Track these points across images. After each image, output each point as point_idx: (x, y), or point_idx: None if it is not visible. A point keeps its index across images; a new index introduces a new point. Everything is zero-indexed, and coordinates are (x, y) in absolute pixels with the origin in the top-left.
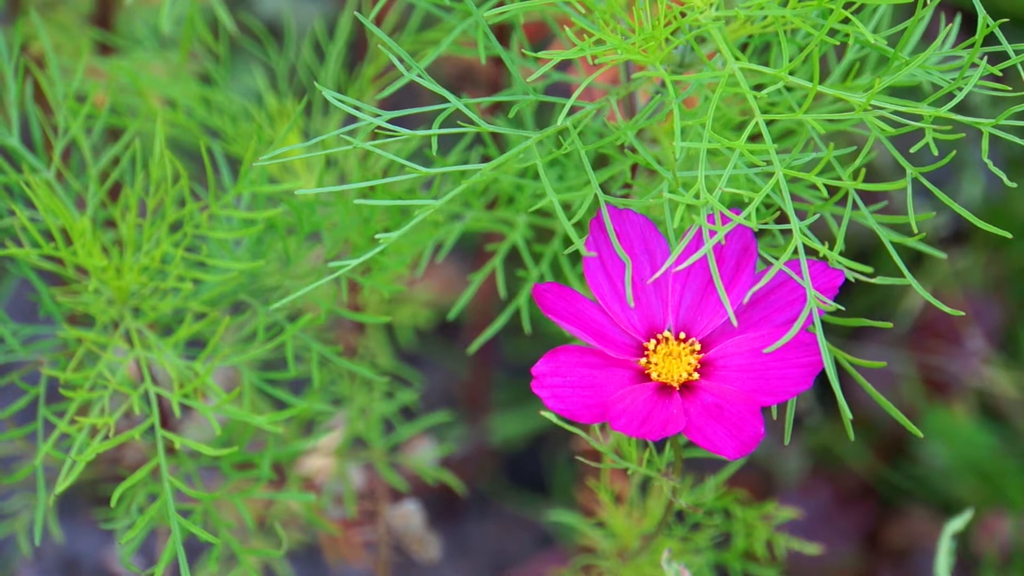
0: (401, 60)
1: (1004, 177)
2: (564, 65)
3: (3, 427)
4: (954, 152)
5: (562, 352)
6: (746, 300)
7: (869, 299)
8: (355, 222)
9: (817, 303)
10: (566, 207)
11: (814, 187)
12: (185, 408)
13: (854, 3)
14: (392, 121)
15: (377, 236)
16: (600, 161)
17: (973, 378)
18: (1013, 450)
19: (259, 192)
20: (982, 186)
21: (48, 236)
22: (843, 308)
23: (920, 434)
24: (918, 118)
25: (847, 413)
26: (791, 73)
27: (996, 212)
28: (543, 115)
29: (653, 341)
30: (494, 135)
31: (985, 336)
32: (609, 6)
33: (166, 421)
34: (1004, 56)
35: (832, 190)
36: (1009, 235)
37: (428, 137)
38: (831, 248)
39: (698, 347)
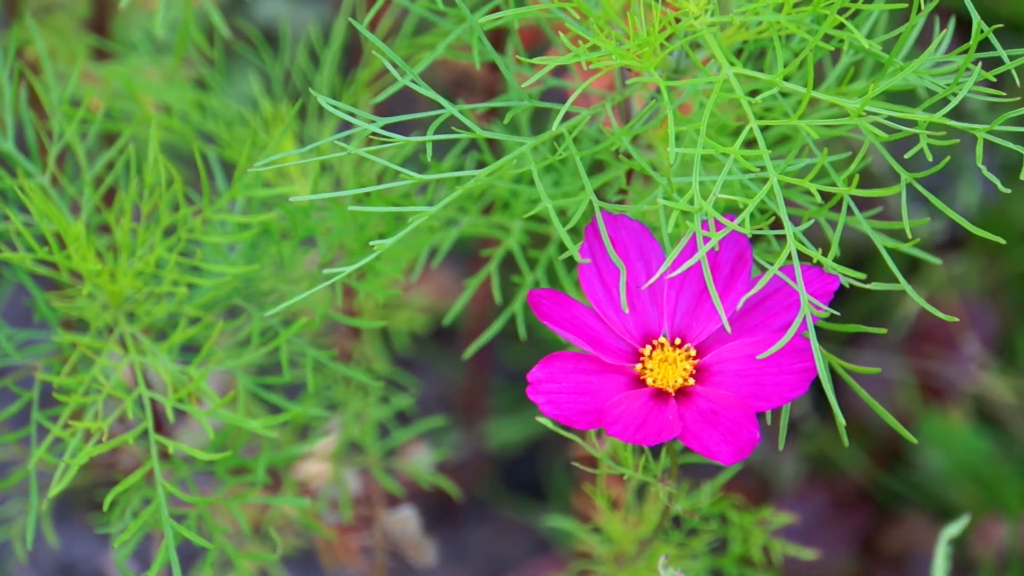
0: (395, 66)
1: (998, 183)
2: (560, 71)
3: None
4: (948, 158)
5: (557, 358)
6: (740, 306)
7: (865, 305)
8: (350, 227)
9: (812, 309)
10: (561, 213)
11: (809, 193)
12: (179, 413)
13: (849, 8)
14: (387, 127)
15: (372, 242)
16: (596, 167)
17: (969, 383)
18: (1009, 455)
19: (254, 196)
20: (978, 192)
21: (43, 241)
22: (838, 313)
23: (914, 440)
24: (913, 124)
25: (841, 419)
26: (786, 79)
27: (993, 218)
28: (539, 121)
29: (649, 347)
30: (490, 141)
31: (981, 341)
32: (604, 12)
33: (160, 426)
34: (1000, 61)
35: (827, 196)
36: (1003, 240)
37: (423, 142)
38: (826, 254)
39: (693, 353)
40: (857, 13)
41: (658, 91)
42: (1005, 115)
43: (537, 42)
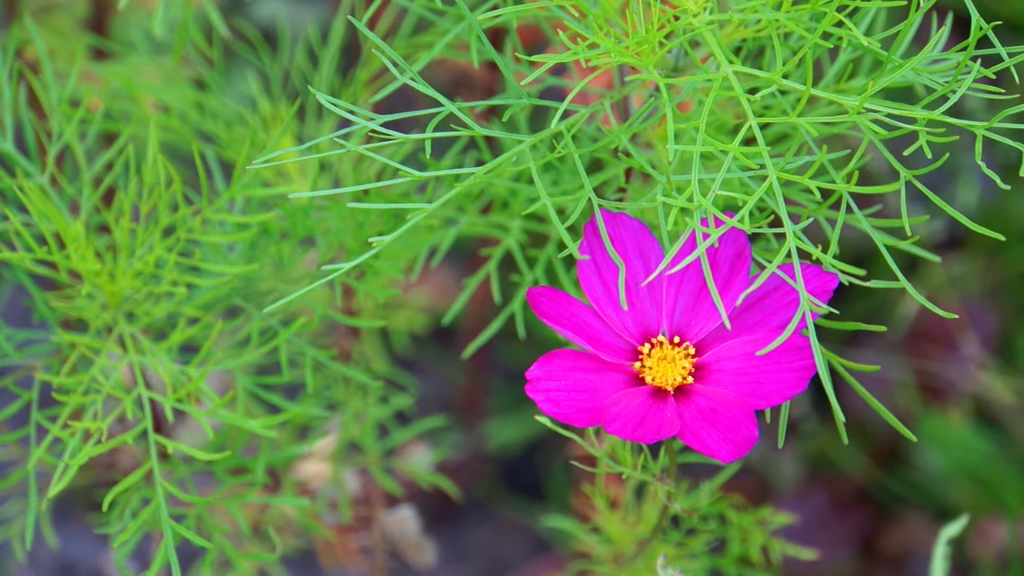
0: (395, 64)
1: (998, 179)
2: (559, 70)
3: None
4: (947, 155)
5: (556, 356)
6: (739, 303)
7: (864, 305)
8: (349, 227)
9: (811, 306)
10: (560, 211)
11: (808, 191)
12: (179, 413)
13: (847, 6)
14: (386, 125)
15: (371, 240)
16: (595, 165)
17: (969, 384)
18: (1009, 455)
19: (253, 196)
20: (977, 192)
21: (42, 241)
22: (837, 312)
23: (914, 438)
24: (912, 121)
25: (840, 415)
26: (785, 76)
27: (992, 218)
28: (538, 121)
29: (647, 345)
30: (489, 141)
31: (981, 341)
32: (603, 10)
33: (160, 426)
34: (998, 59)
35: (826, 194)
36: (1003, 237)
37: (422, 141)
38: (826, 252)
39: (692, 351)
40: (856, 11)
41: (657, 89)
42: (1004, 112)
43: (536, 41)
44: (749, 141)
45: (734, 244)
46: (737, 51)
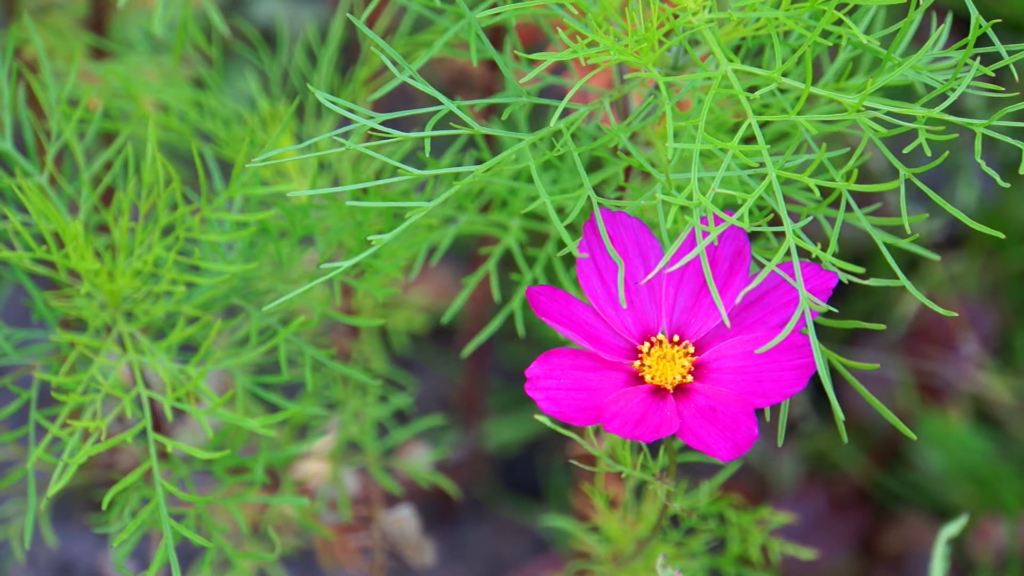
0: (394, 62)
1: (998, 178)
2: (558, 70)
3: None
4: (947, 153)
5: (556, 354)
6: (739, 302)
7: (864, 305)
8: (348, 225)
9: (810, 305)
10: (560, 210)
11: (808, 189)
12: (178, 412)
13: (847, 4)
14: (385, 124)
15: (370, 238)
16: (594, 164)
17: (968, 383)
18: (1008, 455)
19: (252, 195)
20: (977, 191)
21: (41, 240)
22: (837, 311)
23: (914, 437)
24: (912, 119)
25: (839, 413)
26: (784, 75)
27: (991, 217)
28: (538, 119)
29: (647, 343)
30: (488, 139)
31: (980, 341)
32: (602, 8)
33: (159, 425)
34: (997, 58)
35: (826, 192)
36: (1003, 236)
37: (422, 140)
38: (825, 250)
39: (692, 350)
40: (855, 9)
41: (656, 87)
42: (1004, 110)
43: (535, 39)
44: (749, 139)
45: (733, 242)
46: (736, 49)
